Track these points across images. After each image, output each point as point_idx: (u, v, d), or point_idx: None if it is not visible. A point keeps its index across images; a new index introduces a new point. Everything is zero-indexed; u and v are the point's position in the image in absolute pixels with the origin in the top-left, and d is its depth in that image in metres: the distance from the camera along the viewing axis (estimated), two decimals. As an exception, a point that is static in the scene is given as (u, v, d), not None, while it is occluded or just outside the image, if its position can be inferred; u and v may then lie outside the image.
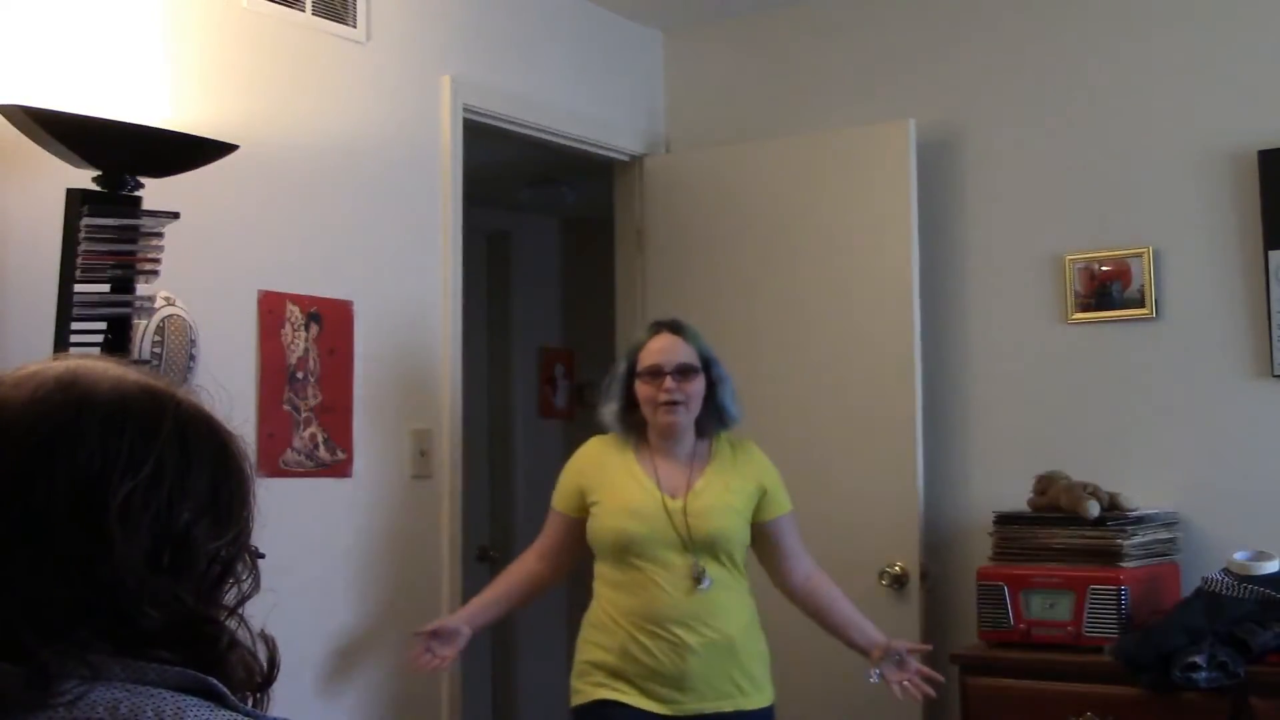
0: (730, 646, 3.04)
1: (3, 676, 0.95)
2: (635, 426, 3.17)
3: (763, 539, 3.18)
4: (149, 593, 0.99)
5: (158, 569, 1.01)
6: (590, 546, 3.17)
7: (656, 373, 3.10)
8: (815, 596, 3.19)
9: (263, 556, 1.13)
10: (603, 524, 3.10)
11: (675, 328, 3.19)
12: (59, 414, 1.02)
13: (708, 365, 3.16)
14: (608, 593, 3.10)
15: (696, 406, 3.12)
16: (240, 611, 1.08)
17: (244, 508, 1.09)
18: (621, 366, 3.20)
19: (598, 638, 3.09)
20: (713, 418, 3.16)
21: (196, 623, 1.03)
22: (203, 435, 1.07)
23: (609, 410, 3.19)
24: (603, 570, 3.13)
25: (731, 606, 3.07)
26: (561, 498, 3.23)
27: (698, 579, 3.03)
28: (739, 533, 3.11)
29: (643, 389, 3.12)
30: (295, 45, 3.31)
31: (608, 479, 3.14)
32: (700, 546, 3.04)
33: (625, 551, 3.06)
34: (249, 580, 1.09)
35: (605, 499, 3.12)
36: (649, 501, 3.07)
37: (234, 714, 1.00)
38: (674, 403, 3.08)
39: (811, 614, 3.21)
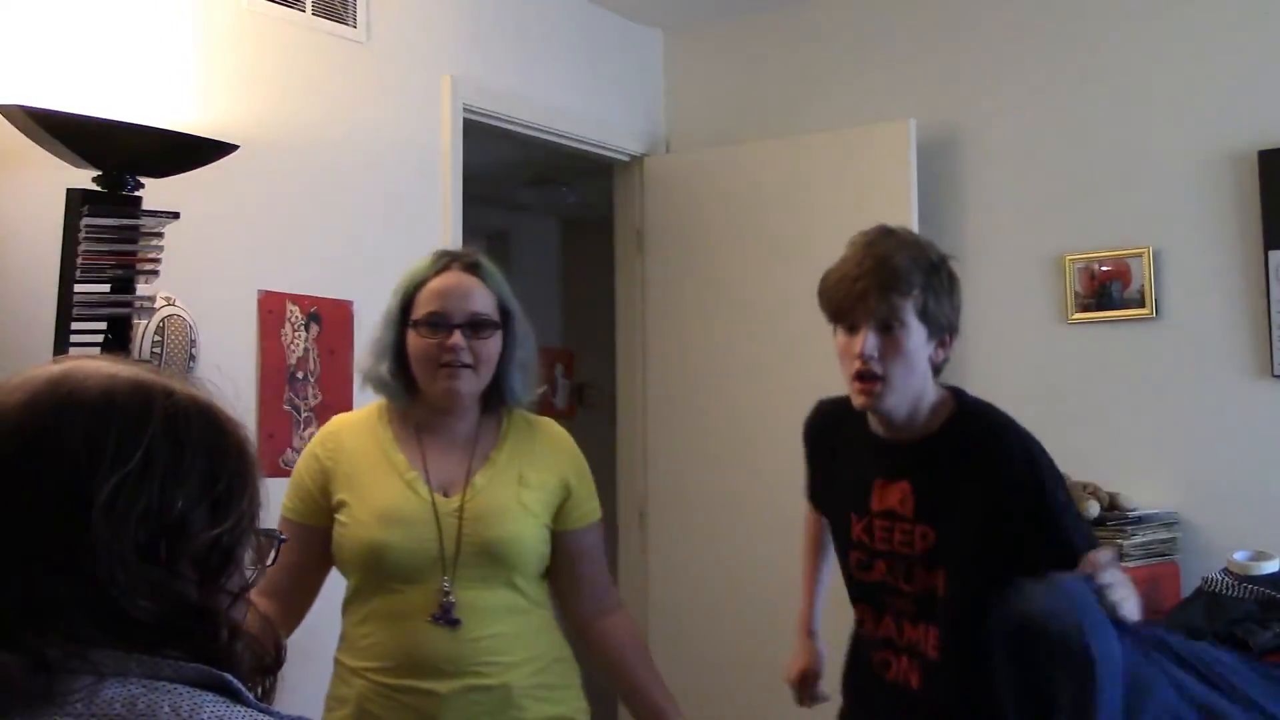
0: (504, 697, 2.20)
1: (2, 666, 0.95)
2: (405, 394, 2.30)
3: (558, 555, 2.33)
4: (142, 584, 1.00)
5: (153, 560, 1.01)
6: (338, 568, 2.31)
7: (439, 323, 2.23)
8: (608, 644, 2.38)
9: (284, 540, 1.13)
10: (349, 535, 2.23)
11: (471, 264, 2.31)
12: (45, 411, 1.02)
13: (507, 319, 2.31)
14: (351, 629, 2.27)
15: (489, 372, 2.28)
16: (245, 597, 1.08)
17: (244, 494, 1.08)
18: (394, 304, 2.29)
19: (335, 689, 2.28)
20: (495, 390, 2.32)
21: (193, 614, 1.03)
22: (196, 424, 1.06)
23: (380, 370, 2.28)
24: (350, 601, 2.29)
25: (517, 642, 2.24)
26: (290, 499, 2.32)
27: (442, 610, 2.18)
28: (535, 542, 2.27)
29: (419, 342, 2.24)
30: (295, 45, 3.31)
31: (359, 471, 2.27)
32: (473, 562, 2.20)
33: (378, 572, 2.21)
34: (254, 568, 1.09)
35: (355, 500, 2.25)
36: (413, 501, 2.22)
37: (249, 710, 1.00)
38: (459, 365, 2.23)
39: (601, 667, 2.39)
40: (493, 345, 2.27)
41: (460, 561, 2.20)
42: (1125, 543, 3.42)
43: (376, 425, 2.31)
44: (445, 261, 2.29)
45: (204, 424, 1.07)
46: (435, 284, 2.26)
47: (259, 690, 1.06)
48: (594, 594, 2.38)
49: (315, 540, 2.27)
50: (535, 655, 2.27)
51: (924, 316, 2.10)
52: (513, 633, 2.24)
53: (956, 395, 2.21)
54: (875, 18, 4.24)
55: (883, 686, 2.25)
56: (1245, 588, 3.23)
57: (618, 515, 4.55)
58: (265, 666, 1.07)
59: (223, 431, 1.09)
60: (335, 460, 2.29)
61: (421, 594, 2.19)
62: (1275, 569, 3.30)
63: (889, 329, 2.10)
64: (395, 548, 2.19)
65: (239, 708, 1.00)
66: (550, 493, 2.31)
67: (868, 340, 2.09)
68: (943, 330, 2.14)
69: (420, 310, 2.25)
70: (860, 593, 2.30)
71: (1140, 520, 3.52)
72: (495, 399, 2.33)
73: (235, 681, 1.01)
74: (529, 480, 2.29)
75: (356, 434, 2.32)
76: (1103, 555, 1.93)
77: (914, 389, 2.13)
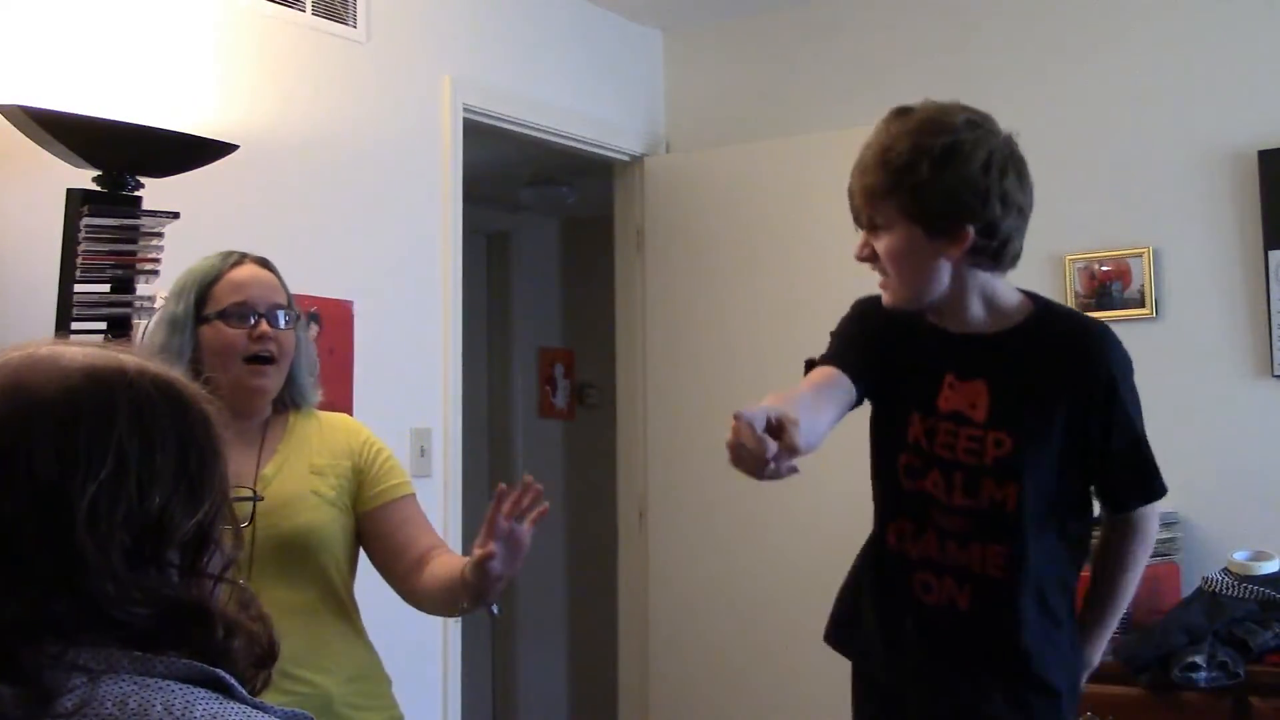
0: (323, 705, 2.11)
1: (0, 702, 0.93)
2: None
3: (370, 537, 2.25)
4: (133, 592, 0.98)
5: (141, 562, 0.99)
6: None
7: (246, 312, 2.17)
8: (432, 567, 2.19)
9: (261, 499, 1.10)
10: None
11: (262, 260, 2.26)
12: (8, 427, 0.99)
13: (294, 318, 2.26)
14: None
15: (288, 367, 2.22)
16: (228, 576, 1.06)
17: (215, 469, 1.06)
18: (179, 306, 2.19)
19: None
20: (283, 391, 2.25)
21: (188, 613, 1.01)
22: (160, 410, 1.03)
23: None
24: None
25: (331, 646, 2.17)
26: None
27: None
28: (335, 531, 2.19)
29: (221, 335, 2.15)
30: (295, 45, 3.31)
31: None
32: (272, 559, 2.09)
33: None
34: (230, 543, 1.07)
35: None
36: None
37: (242, 706, 0.99)
38: (268, 358, 2.17)
39: (430, 592, 2.18)
40: (293, 339, 2.22)
41: (256, 559, 2.06)
42: (1125, 543, 3.42)
43: None
44: (237, 257, 2.23)
45: (168, 406, 1.04)
46: (235, 276, 2.19)
47: (254, 685, 1.04)
48: (420, 552, 2.21)
49: None
50: (346, 663, 2.17)
51: (914, 215, 1.93)
52: (322, 638, 2.15)
53: (1034, 297, 2.08)
54: (875, 18, 4.23)
55: (921, 610, 2.06)
56: (1245, 588, 3.23)
57: (618, 515, 4.56)
58: (259, 661, 1.05)
59: (186, 409, 1.06)
60: None
61: None
62: (1275, 569, 3.30)
63: (875, 229, 1.99)
64: None
65: (232, 704, 0.98)
66: (343, 477, 2.23)
67: (863, 239, 2.01)
68: (946, 225, 1.92)
69: (222, 302, 2.17)
70: (902, 504, 2.10)
71: (1140, 520, 3.52)
72: (282, 401, 2.26)
73: (228, 677, 1.00)
74: (320, 468, 2.21)
75: None
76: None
77: (927, 288, 1.99)
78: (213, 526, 1.05)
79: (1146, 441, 2.05)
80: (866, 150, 1.98)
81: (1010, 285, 2.05)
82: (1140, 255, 3.75)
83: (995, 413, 1.99)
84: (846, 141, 4.12)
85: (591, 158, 4.46)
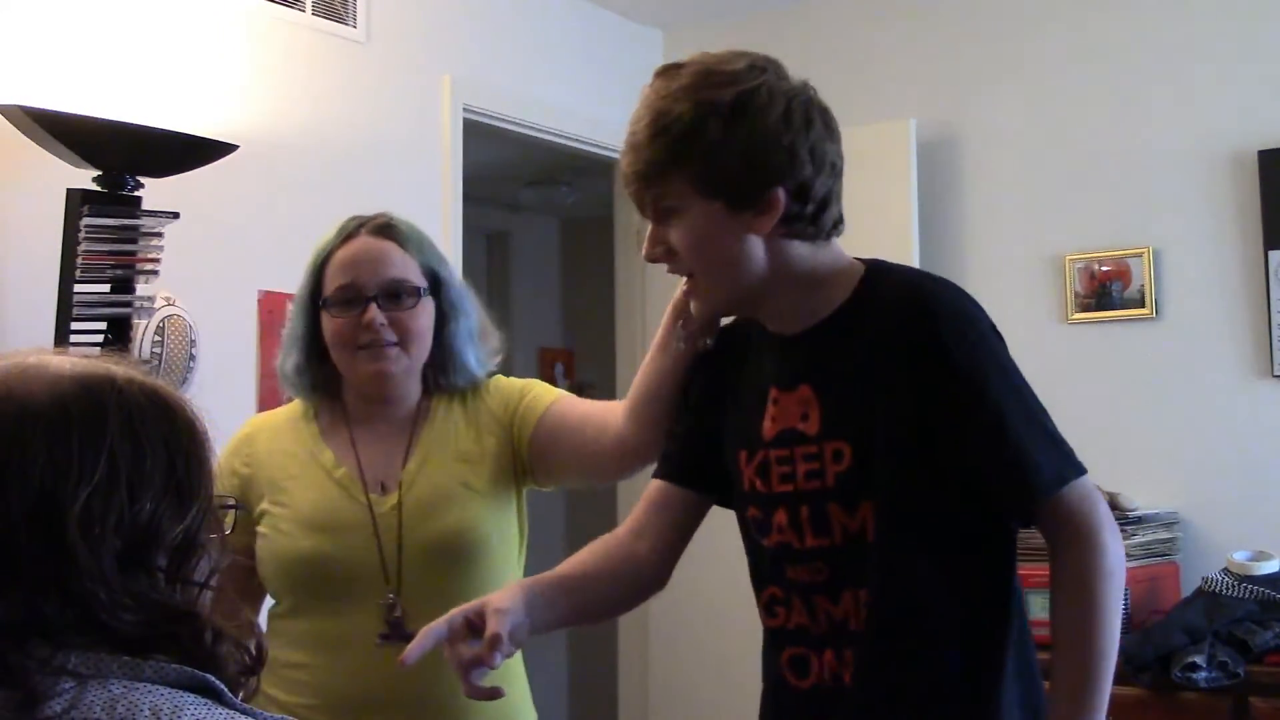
0: None
1: None
2: (326, 385, 1.99)
3: (551, 451, 1.96)
4: (124, 597, 0.99)
5: (132, 566, 1.00)
6: (263, 584, 1.94)
7: (351, 297, 1.92)
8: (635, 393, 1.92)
9: (240, 508, 1.11)
10: (271, 548, 1.89)
11: (382, 227, 1.97)
12: (1, 434, 1.00)
13: (437, 286, 1.99)
14: (284, 656, 1.87)
15: (423, 349, 1.96)
16: (213, 584, 1.07)
17: (201, 474, 1.07)
18: (302, 288, 2.01)
19: None
20: (439, 369, 1.99)
21: (177, 619, 1.02)
22: (149, 417, 1.04)
23: (288, 364, 2.00)
24: (279, 622, 1.92)
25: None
26: None
27: (392, 627, 1.84)
28: (488, 528, 1.93)
29: (330, 323, 1.94)
30: (295, 45, 3.31)
31: (281, 475, 1.95)
32: (421, 566, 1.88)
33: (313, 588, 1.89)
34: (216, 550, 1.08)
35: (277, 508, 1.91)
36: (344, 503, 1.91)
37: (231, 712, 0.99)
38: (381, 343, 1.91)
39: (644, 409, 1.89)
40: (420, 316, 1.94)
41: (405, 567, 1.87)
42: (1125, 543, 3.42)
43: (300, 422, 2.00)
44: (353, 228, 1.96)
45: (155, 413, 1.05)
46: (342, 254, 1.95)
47: (244, 692, 1.05)
48: (602, 418, 1.94)
49: (238, 568, 1.81)
50: (489, 709, 1.79)
51: (711, 188, 1.56)
52: None
53: (869, 263, 1.67)
54: (875, 18, 4.24)
55: (798, 698, 1.64)
56: (1245, 588, 3.23)
57: (618, 515, 4.55)
58: (246, 667, 1.06)
59: (173, 415, 1.07)
60: (253, 467, 1.96)
61: (364, 613, 1.86)
62: (1275, 569, 3.30)
63: (665, 217, 1.61)
64: (327, 558, 1.87)
65: (220, 709, 0.99)
66: (495, 458, 1.96)
67: (650, 233, 1.64)
68: (752, 192, 1.56)
69: (329, 287, 1.94)
70: (764, 569, 1.71)
71: (1140, 520, 3.52)
72: (440, 379, 2.00)
73: (218, 683, 1.01)
74: (467, 453, 1.94)
75: (276, 435, 2.01)
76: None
77: (742, 278, 1.62)
78: (200, 532, 1.06)
79: (1022, 422, 1.55)
80: (636, 124, 1.59)
81: (839, 253, 1.66)
82: (1140, 255, 3.75)
83: (828, 419, 1.59)
84: (846, 141, 4.12)
85: (591, 158, 4.46)
